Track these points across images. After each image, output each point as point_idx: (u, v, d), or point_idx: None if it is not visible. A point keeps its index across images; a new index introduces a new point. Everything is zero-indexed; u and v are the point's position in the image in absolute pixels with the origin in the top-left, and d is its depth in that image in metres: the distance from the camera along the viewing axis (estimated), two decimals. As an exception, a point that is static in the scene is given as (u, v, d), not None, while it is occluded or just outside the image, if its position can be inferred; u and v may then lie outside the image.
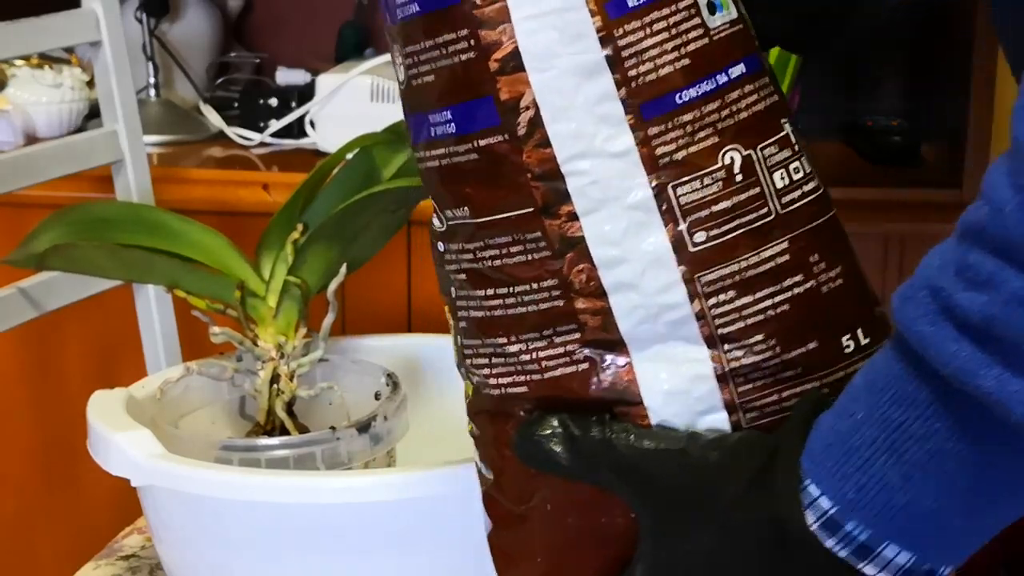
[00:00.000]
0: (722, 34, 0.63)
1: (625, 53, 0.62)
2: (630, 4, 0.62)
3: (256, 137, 1.90)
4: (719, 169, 0.63)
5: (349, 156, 0.95)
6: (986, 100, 1.77)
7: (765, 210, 0.64)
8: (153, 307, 1.34)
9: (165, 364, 1.34)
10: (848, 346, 0.65)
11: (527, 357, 0.65)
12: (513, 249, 0.64)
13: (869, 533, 0.57)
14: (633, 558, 0.64)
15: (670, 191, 0.63)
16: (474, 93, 0.63)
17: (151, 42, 1.98)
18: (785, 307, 0.64)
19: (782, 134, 0.65)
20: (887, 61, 2.13)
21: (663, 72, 0.62)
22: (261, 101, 1.92)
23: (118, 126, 1.34)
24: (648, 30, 0.62)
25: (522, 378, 0.65)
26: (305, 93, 1.90)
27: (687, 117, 0.63)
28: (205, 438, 0.92)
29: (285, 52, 2.14)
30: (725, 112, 0.64)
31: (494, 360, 0.66)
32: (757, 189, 0.64)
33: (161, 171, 1.77)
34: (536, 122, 0.63)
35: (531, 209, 0.63)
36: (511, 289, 0.65)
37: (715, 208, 0.63)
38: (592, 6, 0.62)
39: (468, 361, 0.68)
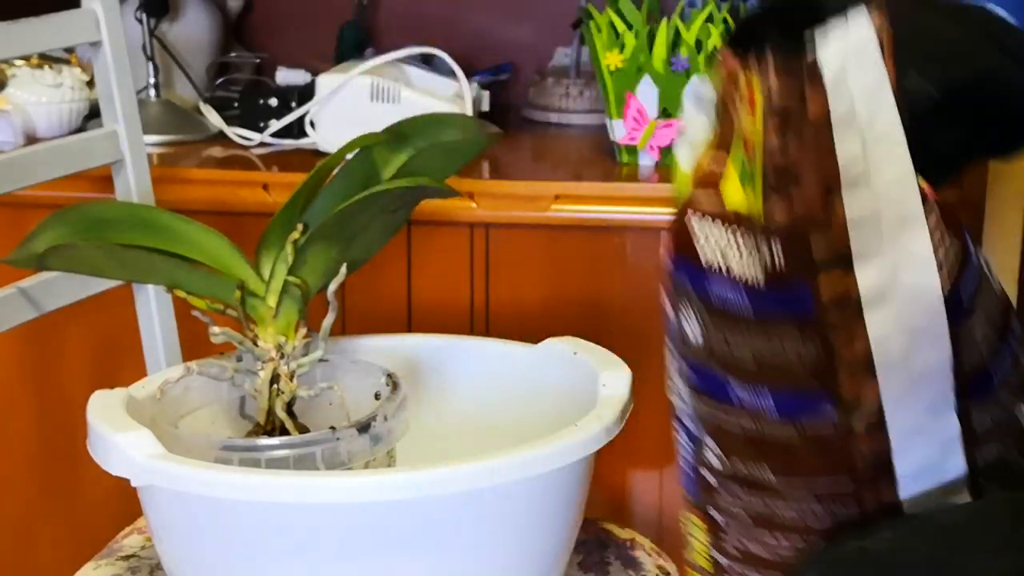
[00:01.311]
0: None
1: (960, 344, 0.61)
2: (965, 303, 0.62)
3: (256, 137, 1.90)
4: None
5: (349, 156, 0.95)
6: (986, 100, 1.77)
7: None
8: (153, 307, 1.34)
9: (165, 364, 1.33)
10: None
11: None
12: (816, 508, 0.63)
13: None
14: None
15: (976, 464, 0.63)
16: (805, 386, 0.61)
17: (151, 42, 1.98)
18: None
19: None
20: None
21: (984, 351, 0.63)
22: (261, 101, 1.92)
23: (118, 126, 1.34)
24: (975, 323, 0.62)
25: None
26: (305, 93, 1.90)
27: (1002, 395, 0.64)
28: (205, 438, 0.92)
29: (285, 52, 2.14)
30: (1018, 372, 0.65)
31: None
32: None
33: (161, 171, 1.77)
34: (878, 421, 0.61)
35: (849, 488, 0.62)
36: (802, 537, 0.64)
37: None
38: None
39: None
